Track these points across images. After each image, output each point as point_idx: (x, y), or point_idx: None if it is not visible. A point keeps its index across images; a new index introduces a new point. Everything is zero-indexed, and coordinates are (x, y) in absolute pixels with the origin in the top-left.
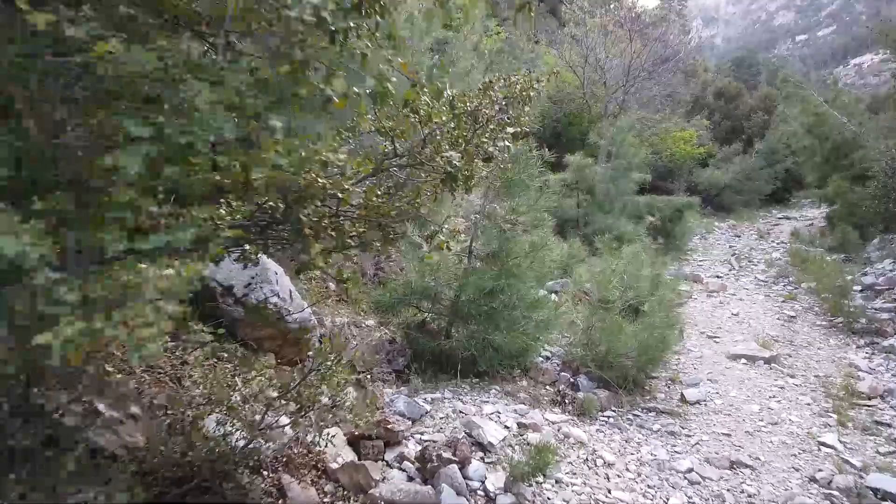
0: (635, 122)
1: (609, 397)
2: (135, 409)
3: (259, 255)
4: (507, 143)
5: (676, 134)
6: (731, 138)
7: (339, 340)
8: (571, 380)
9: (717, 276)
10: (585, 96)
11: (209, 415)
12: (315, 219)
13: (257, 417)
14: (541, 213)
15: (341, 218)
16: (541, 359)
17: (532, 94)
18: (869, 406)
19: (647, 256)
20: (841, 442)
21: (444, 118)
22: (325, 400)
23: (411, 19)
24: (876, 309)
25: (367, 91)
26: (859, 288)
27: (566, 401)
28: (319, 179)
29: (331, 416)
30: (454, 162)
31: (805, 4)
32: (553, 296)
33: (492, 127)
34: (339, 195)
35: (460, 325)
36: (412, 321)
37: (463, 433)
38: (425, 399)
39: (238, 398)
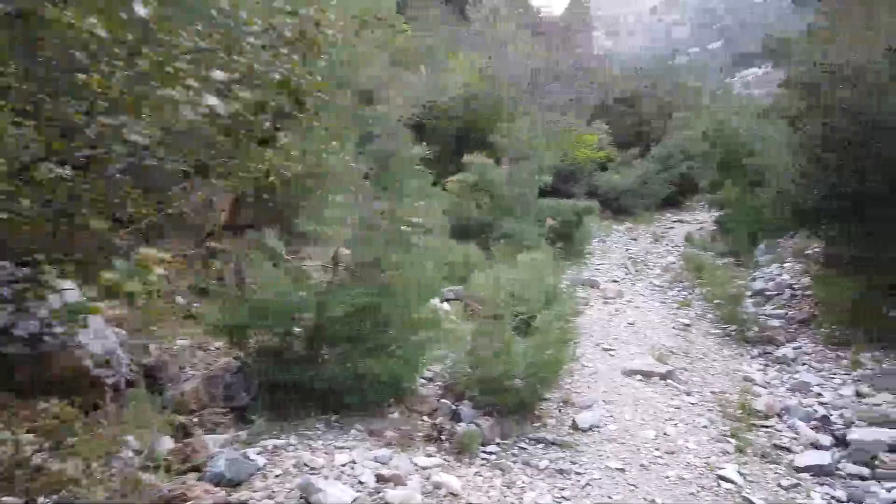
0: (539, 123)
1: (493, 427)
2: None
3: None
4: (213, 99)
5: (578, 137)
6: (631, 143)
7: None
8: (454, 407)
9: (615, 281)
10: (491, 97)
11: None
12: None
13: None
14: (431, 215)
15: None
16: (423, 380)
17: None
18: (767, 427)
19: (545, 262)
20: (741, 474)
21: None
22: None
23: None
24: (767, 315)
25: None
26: (750, 293)
27: (443, 436)
28: None
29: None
30: (134, 137)
31: (700, 19)
32: (446, 305)
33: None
34: None
35: (323, 351)
36: (266, 345)
37: (299, 500)
38: (264, 448)
39: None
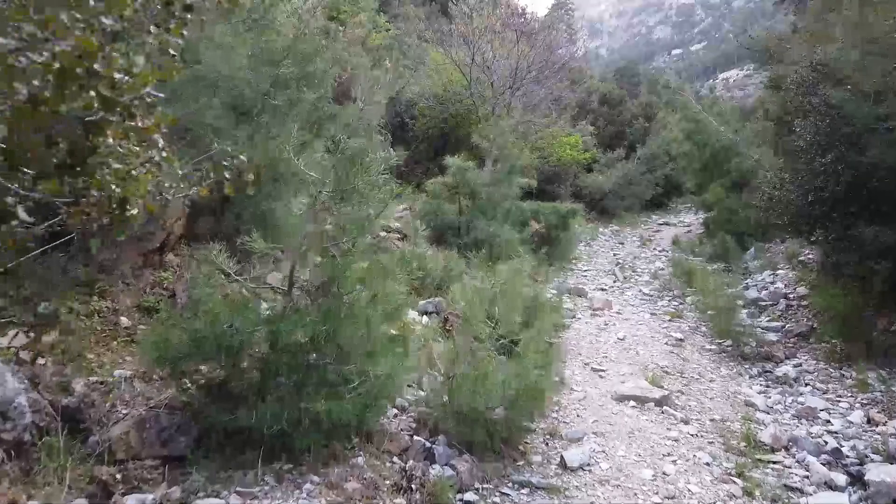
0: (520, 124)
1: (472, 469)
2: None
3: None
4: None
5: (563, 138)
6: (614, 144)
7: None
8: (427, 444)
9: (602, 289)
10: (473, 97)
11: None
12: None
13: None
14: (403, 222)
15: None
16: (395, 410)
17: None
18: (774, 463)
19: (527, 271)
20: None
21: None
22: None
23: None
24: (763, 329)
25: None
26: (743, 303)
27: (413, 485)
28: None
29: None
30: None
31: (680, 21)
32: (425, 318)
33: None
34: None
35: (272, 387)
36: (210, 380)
37: None
38: None
39: None
